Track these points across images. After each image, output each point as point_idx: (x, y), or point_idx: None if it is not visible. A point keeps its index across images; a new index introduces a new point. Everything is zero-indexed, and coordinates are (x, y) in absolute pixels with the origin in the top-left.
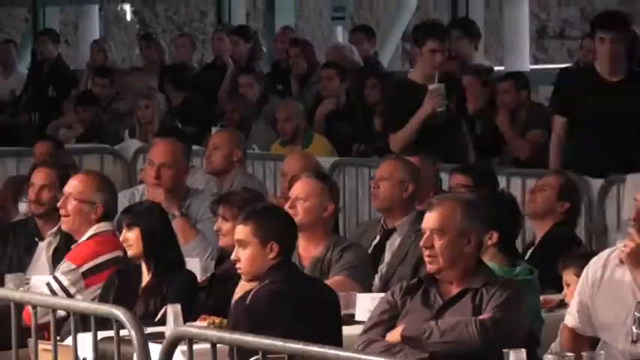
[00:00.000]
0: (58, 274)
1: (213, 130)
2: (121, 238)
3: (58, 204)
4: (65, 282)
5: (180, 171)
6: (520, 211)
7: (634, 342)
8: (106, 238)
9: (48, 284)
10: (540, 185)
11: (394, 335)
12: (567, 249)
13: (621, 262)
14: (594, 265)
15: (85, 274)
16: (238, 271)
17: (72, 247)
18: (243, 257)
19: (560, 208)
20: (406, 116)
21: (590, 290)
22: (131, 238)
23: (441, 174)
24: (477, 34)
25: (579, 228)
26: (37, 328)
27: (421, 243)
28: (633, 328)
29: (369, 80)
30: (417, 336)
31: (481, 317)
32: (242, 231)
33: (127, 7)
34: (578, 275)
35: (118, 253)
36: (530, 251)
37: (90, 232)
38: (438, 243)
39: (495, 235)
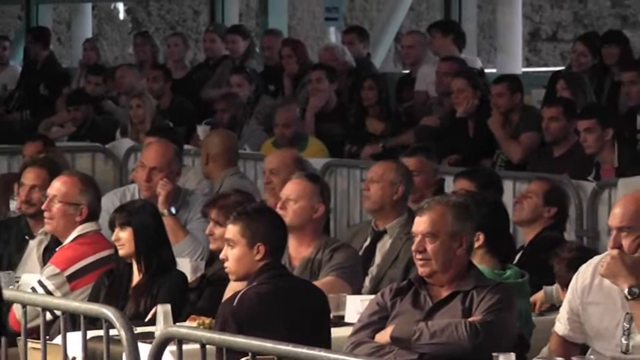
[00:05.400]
0: (42, 278)
1: (199, 128)
2: (113, 238)
3: (43, 206)
4: (50, 286)
5: (171, 174)
6: (506, 211)
7: (624, 352)
8: (91, 239)
9: (33, 289)
10: (525, 192)
11: (383, 336)
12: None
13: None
14: (584, 272)
15: (69, 278)
16: (225, 270)
17: (56, 249)
18: (230, 257)
19: (547, 213)
20: None
21: (580, 298)
22: (124, 238)
23: (445, 177)
24: (461, 35)
25: (570, 232)
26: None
27: (413, 247)
28: (622, 339)
29: (366, 82)
30: (406, 337)
31: (471, 319)
32: (231, 230)
33: (120, 6)
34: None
35: (105, 252)
36: (518, 255)
37: (74, 233)
38: (430, 247)
39: (482, 237)
